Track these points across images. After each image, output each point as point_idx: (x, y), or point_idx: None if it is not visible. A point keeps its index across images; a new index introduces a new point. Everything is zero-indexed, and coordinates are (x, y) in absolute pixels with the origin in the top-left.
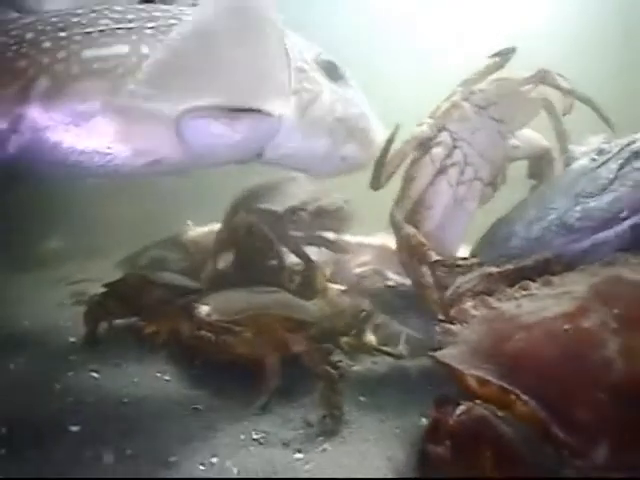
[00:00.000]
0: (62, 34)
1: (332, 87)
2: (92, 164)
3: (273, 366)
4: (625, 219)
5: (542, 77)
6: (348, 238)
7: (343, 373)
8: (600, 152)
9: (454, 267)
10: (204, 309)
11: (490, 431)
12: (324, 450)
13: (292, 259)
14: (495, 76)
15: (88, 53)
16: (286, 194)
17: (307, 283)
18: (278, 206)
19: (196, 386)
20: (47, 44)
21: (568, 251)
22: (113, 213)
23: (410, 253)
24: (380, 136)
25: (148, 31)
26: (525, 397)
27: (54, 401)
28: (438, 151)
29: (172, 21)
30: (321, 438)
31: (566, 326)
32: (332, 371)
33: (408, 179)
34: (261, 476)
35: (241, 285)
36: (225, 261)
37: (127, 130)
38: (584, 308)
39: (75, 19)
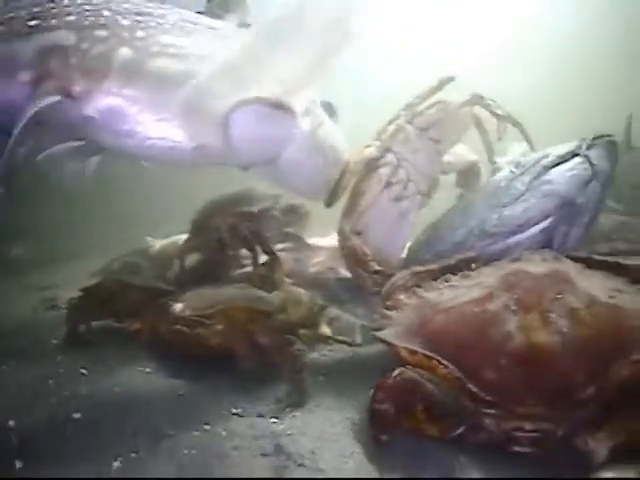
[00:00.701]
0: (138, 18)
1: (328, 120)
2: (150, 142)
3: (243, 354)
4: (535, 224)
5: (476, 102)
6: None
7: (303, 358)
8: (517, 165)
9: (390, 276)
10: (178, 306)
11: (419, 388)
12: (294, 417)
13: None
14: (435, 99)
15: (165, 38)
16: (252, 199)
17: (270, 277)
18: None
19: (176, 376)
20: (125, 22)
21: (486, 252)
22: (76, 219)
23: (354, 262)
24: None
25: (208, 34)
26: (445, 362)
27: (52, 395)
28: (384, 170)
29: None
30: (290, 409)
31: (476, 308)
32: (294, 355)
33: (356, 194)
34: (249, 436)
35: (208, 283)
36: (189, 262)
37: (185, 116)
38: (491, 294)
39: (147, 9)
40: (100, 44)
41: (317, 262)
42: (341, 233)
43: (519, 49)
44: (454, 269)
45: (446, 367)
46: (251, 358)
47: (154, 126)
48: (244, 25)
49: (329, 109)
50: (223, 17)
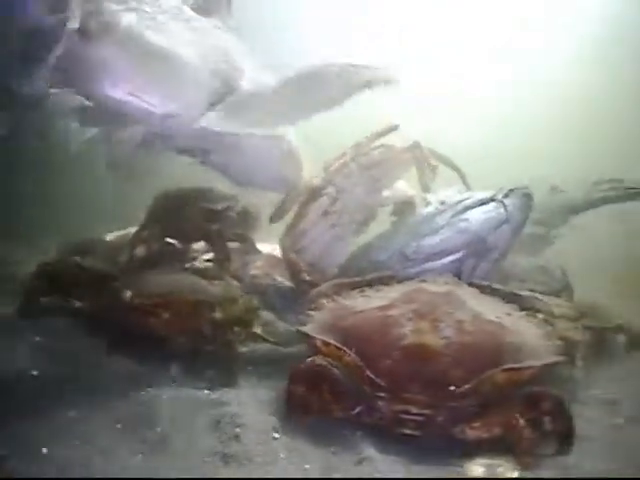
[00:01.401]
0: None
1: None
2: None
3: (185, 341)
4: (448, 255)
5: (415, 149)
6: None
7: (236, 349)
8: (442, 203)
9: (317, 286)
10: (127, 293)
11: (326, 372)
12: (225, 391)
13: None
14: (379, 143)
15: (162, 17)
16: (212, 197)
17: (218, 273)
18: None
19: (122, 359)
20: None
21: (403, 273)
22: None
23: (291, 272)
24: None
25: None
26: (349, 352)
27: (13, 358)
28: (324, 200)
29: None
30: (221, 385)
31: (380, 314)
32: (230, 344)
33: (298, 216)
34: (184, 399)
35: (158, 272)
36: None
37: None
38: (393, 304)
39: None
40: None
41: (257, 266)
42: (282, 247)
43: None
44: (371, 283)
45: (350, 356)
46: (192, 345)
47: (136, 86)
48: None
49: None
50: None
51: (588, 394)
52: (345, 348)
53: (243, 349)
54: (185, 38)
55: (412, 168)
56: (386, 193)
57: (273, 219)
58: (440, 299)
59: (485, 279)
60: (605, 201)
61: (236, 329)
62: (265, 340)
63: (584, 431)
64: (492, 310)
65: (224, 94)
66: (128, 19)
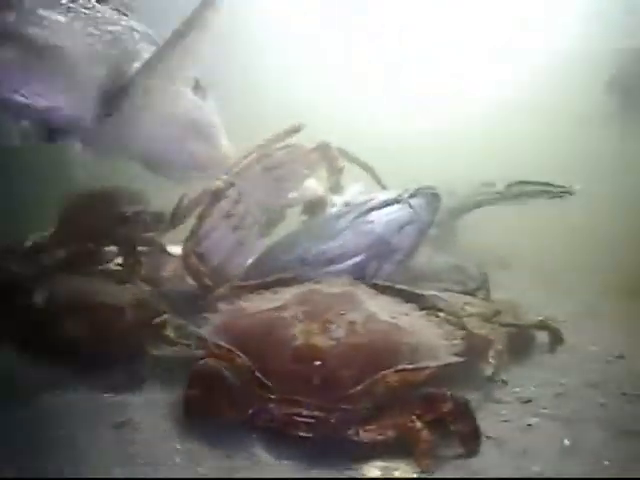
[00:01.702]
0: None
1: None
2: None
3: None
4: (350, 258)
5: (323, 148)
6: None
7: (145, 351)
8: (347, 204)
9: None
10: (39, 297)
11: (218, 375)
12: (130, 395)
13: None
14: (285, 143)
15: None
16: (122, 198)
17: (129, 277)
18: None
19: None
20: None
21: (304, 275)
22: None
23: (192, 276)
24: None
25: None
26: (240, 354)
27: None
28: (226, 203)
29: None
30: (128, 389)
31: (272, 315)
32: (139, 347)
33: (200, 219)
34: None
35: (72, 276)
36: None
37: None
38: (286, 306)
39: None
40: None
41: (169, 269)
42: (184, 251)
43: None
44: (270, 285)
45: (240, 358)
46: (101, 348)
47: (21, 83)
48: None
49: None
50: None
51: (505, 393)
52: (235, 350)
53: (153, 352)
54: (70, 28)
55: (322, 168)
56: (294, 194)
57: (172, 224)
58: (334, 300)
59: (390, 280)
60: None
61: (146, 332)
62: (175, 343)
63: (497, 431)
64: (388, 310)
65: (115, 80)
66: (6, 17)
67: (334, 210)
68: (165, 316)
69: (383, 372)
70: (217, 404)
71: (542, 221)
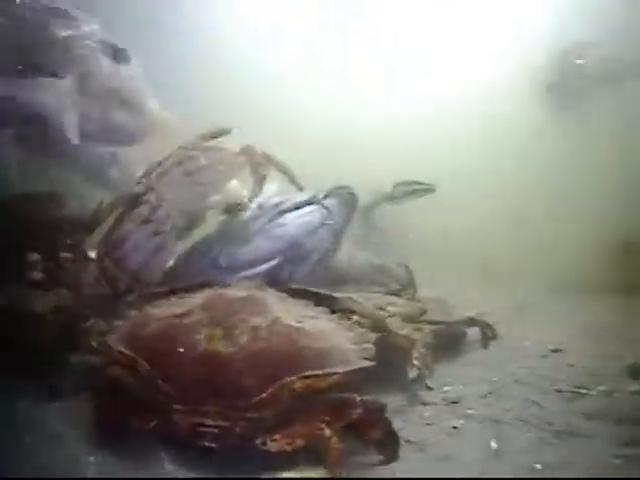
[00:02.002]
0: None
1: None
2: None
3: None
4: (264, 263)
5: (247, 151)
6: None
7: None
8: (260, 207)
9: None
10: None
11: (122, 384)
12: (47, 406)
13: None
14: (206, 146)
15: None
16: (57, 201)
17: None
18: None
19: None
20: None
21: (217, 280)
22: None
23: (107, 282)
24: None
25: None
26: (143, 362)
27: None
28: (145, 207)
29: None
30: (53, 391)
31: (176, 321)
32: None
33: (116, 224)
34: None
35: None
36: None
37: None
38: (191, 311)
39: None
40: None
41: (90, 274)
42: (97, 255)
43: None
44: (182, 291)
45: (142, 366)
46: (22, 357)
47: None
48: None
49: (116, 54)
50: None
51: (432, 394)
52: (138, 358)
53: (74, 360)
54: None
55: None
56: (216, 197)
57: (90, 226)
58: (238, 305)
59: (310, 283)
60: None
61: (67, 340)
62: (96, 350)
63: (419, 435)
64: (296, 314)
65: None
66: None
67: (249, 213)
68: (90, 322)
69: (287, 379)
70: (123, 414)
71: (474, 217)
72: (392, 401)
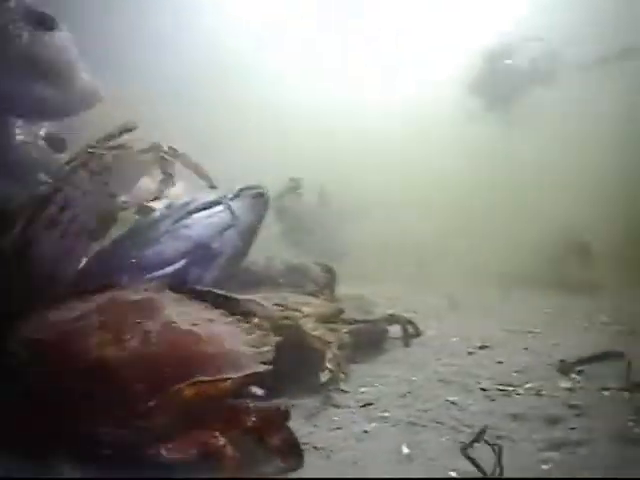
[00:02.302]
0: None
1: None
2: None
3: None
4: (169, 265)
5: (154, 148)
6: None
7: None
8: (168, 207)
9: None
10: None
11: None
12: None
13: None
14: (113, 144)
15: None
16: None
17: None
18: None
19: None
20: None
21: (120, 282)
22: None
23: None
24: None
25: None
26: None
27: None
28: (51, 209)
29: None
30: None
31: (71, 326)
32: None
33: (25, 225)
34: None
35: None
36: None
37: None
38: (84, 315)
39: None
40: None
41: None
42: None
43: None
44: (88, 293)
45: (39, 372)
46: None
47: None
48: None
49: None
50: None
51: (347, 397)
52: (33, 362)
53: None
54: None
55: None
56: (126, 197)
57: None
58: (132, 308)
59: (216, 286)
60: None
61: None
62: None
63: (328, 441)
64: (192, 318)
65: None
66: None
67: (157, 213)
68: None
69: (177, 385)
70: (23, 421)
71: (405, 215)
72: (304, 405)
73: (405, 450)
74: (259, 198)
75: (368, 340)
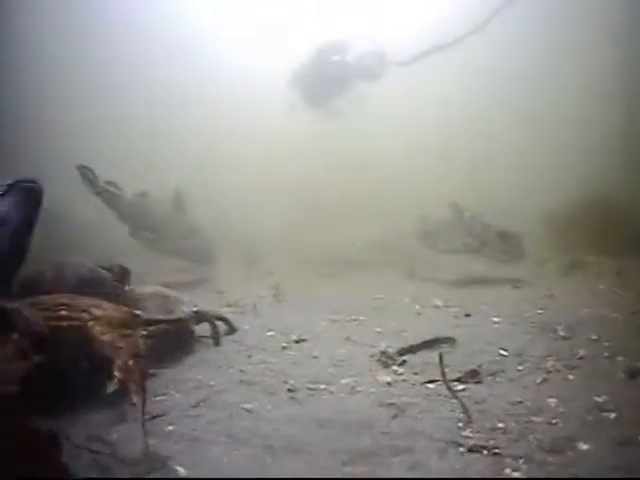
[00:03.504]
0: None
1: None
2: None
3: None
4: None
5: None
6: None
7: None
8: None
9: None
10: None
11: None
12: None
13: None
14: None
15: None
16: None
17: None
18: None
19: None
20: None
21: None
22: None
23: None
24: None
25: None
26: None
27: None
28: None
29: None
30: None
31: None
32: None
33: None
34: None
35: None
36: None
37: None
38: None
39: None
40: None
41: None
42: None
43: None
44: None
45: None
46: None
47: None
48: None
49: None
50: None
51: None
52: None
53: None
54: None
55: None
56: None
57: None
58: None
59: None
60: None
61: None
62: None
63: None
64: None
65: None
66: None
67: None
68: None
69: None
70: None
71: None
72: (88, 420)
73: (181, 471)
74: (29, 193)
75: (173, 341)
